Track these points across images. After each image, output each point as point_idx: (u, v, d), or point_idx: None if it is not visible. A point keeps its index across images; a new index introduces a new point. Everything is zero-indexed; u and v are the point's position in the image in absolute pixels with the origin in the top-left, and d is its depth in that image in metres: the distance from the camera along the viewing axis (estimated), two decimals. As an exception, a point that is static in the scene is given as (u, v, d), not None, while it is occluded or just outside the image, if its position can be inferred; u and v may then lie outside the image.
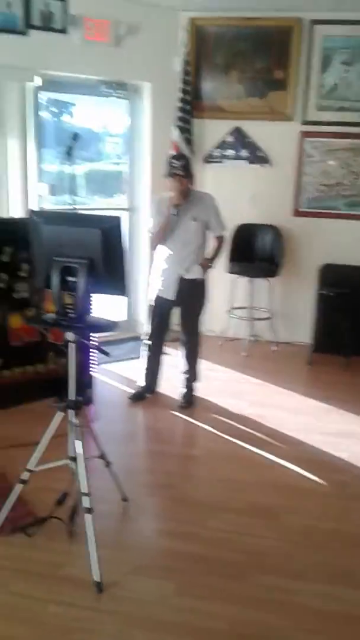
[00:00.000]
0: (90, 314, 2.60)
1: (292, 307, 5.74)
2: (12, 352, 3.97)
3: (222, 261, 5.33)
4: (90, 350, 4.41)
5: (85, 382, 4.39)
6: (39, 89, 4.85)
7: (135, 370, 4.50)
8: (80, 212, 4.28)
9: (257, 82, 5.37)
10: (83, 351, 4.36)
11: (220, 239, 4.18)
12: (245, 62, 5.35)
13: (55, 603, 2.38)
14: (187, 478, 3.46)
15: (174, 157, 3.98)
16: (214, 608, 2.40)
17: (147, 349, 4.27)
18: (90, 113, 5.77)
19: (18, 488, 2.69)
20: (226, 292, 5.51)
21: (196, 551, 2.74)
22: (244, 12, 5.19)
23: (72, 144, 3.82)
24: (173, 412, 4.18)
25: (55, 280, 2.46)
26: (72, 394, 2.65)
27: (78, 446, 2.58)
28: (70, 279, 2.48)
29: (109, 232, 2.42)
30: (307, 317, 5.50)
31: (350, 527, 2.98)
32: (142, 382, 4.34)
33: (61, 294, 2.49)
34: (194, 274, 4.04)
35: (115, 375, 4.77)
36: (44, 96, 5.05)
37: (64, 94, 5.32)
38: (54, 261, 2.46)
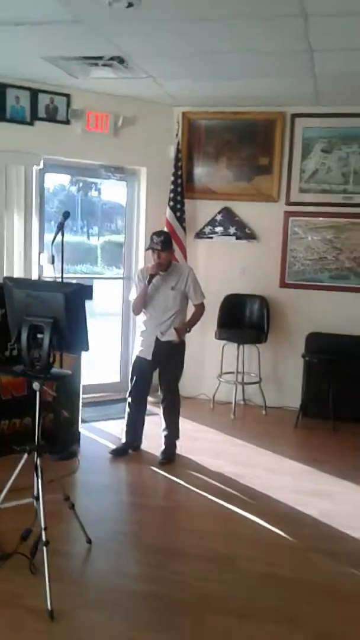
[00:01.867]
0: (53, 367, 2.92)
1: (281, 372, 6.02)
2: (1, 406, 4.31)
3: (212, 328, 5.73)
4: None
5: (72, 438, 4.73)
6: (43, 171, 5.45)
7: (121, 428, 4.79)
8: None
9: (244, 168, 5.89)
10: (71, 409, 4.72)
11: (198, 307, 4.55)
12: (233, 150, 5.90)
13: (10, 628, 2.62)
14: (153, 527, 3.69)
15: (154, 233, 4.43)
16: (157, 638, 2.61)
17: (128, 406, 4.58)
18: (116, 190, 6.23)
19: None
20: (217, 358, 5.84)
21: (148, 590, 2.96)
22: (231, 107, 5.78)
23: (62, 221, 4.29)
24: (152, 468, 4.43)
25: (24, 336, 2.84)
26: (37, 439, 2.97)
27: (38, 486, 2.88)
28: (38, 335, 2.86)
29: (71, 296, 2.82)
30: (296, 383, 5.78)
31: (304, 575, 3.14)
32: (123, 438, 4.63)
33: (29, 348, 2.85)
34: (169, 336, 4.39)
35: (104, 432, 5.06)
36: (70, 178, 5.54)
37: (68, 176, 5.88)
38: (24, 320, 2.85)
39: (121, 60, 4.58)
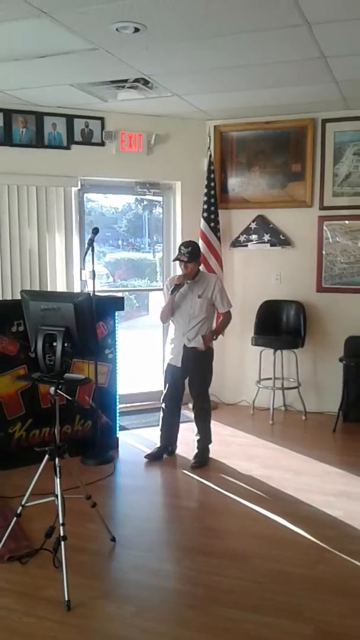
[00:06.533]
0: (68, 372, 3.13)
1: (320, 377, 6.02)
2: (42, 414, 4.58)
3: (251, 335, 5.82)
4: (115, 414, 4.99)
5: (110, 444, 4.94)
6: (81, 192, 5.75)
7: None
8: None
9: (277, 176, 5.98)
10: (109, 415, 4.95)
11: (225, 315, 4.68)
12: (265, 158, 6.01)
13: (30, 616, 2.83)
14: (177, 526, 3.83)
15: (182, 244, 4.60)
16: (162, 629, 2.75)
17: (161, 412, 4.75)
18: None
19: (13, 521, 3.24)
20: (256, 364, 5.91)
21: (162, 584, 3.11)
22: (262, 117, 5.89)
23: (92, 237, 4.53)
24: (184, 471, 4.57)
25: (39, 344, 3.07)
26: (56, 442, 3.18)
27: (57, 484, 3.09)
28: (54, 344, 3.08)
29: (80, 305, 3.02)
30: (336, 387, 5.76)
31: (316, 573, 3.20)
32: (158, 443, 4.80)
33: (45, 356, 3.08)
34: (196, 343, 4.53)
35: (143, 439, 5.24)
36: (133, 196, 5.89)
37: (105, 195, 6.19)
38: (40, 329, 3.08)
39: (145, 82, 4.81)
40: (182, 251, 4.51)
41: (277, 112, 5.78)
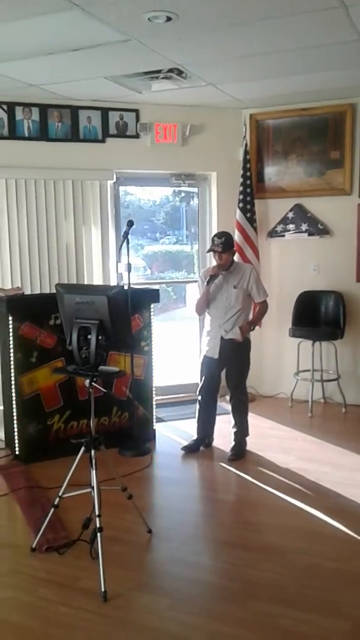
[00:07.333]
0: (103, 365, 3.14)
1: (361, 369, 5.91)
2: (80, 406, 4.62)
3: (288, 326, 5.75)
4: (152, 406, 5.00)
5: (147, 435, 4.96)
6: (117, 184, 5.76)
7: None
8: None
9: (315, 163, 5.86)
10: (146, 407, 4.96)
11: (261, 305, 4.62)
12: (302, 146, 5.90)
13: (66, 606, 2.86)
14: (214, 519, 3.82)
15: (215, 235, 4.56)
16: (197, 622, 2.74)
17: (198, 404, 4.73)
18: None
19: (51, 511, 3.28)
20: (294, 356, 5.83)
21: (198, 577, 3.10)
22: (298, 104, 5.78)
23: (127, 230, 4.52)
24: (221, 464, 4.55)
25: (74, 337, 3.08)
26: (91, 434, 3.20)
27: (93, 476, 3.11)
28: (89, 336, 3.10)
29: (113, 298, 3.02)
30: (378, 380, 5.66)
31: (354, 569, 3.14)
32: (195, 435, 4.78)
33: (80, 349, 3.09)
34: (233, 335, 4.48)
35: (180, 431, 5.23)
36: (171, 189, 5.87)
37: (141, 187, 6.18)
38: (74, 322, 3.09)
39: (179, 72, 4.77)
40: (215, 242, 4.47)
41: (314, 99, 5.66)
